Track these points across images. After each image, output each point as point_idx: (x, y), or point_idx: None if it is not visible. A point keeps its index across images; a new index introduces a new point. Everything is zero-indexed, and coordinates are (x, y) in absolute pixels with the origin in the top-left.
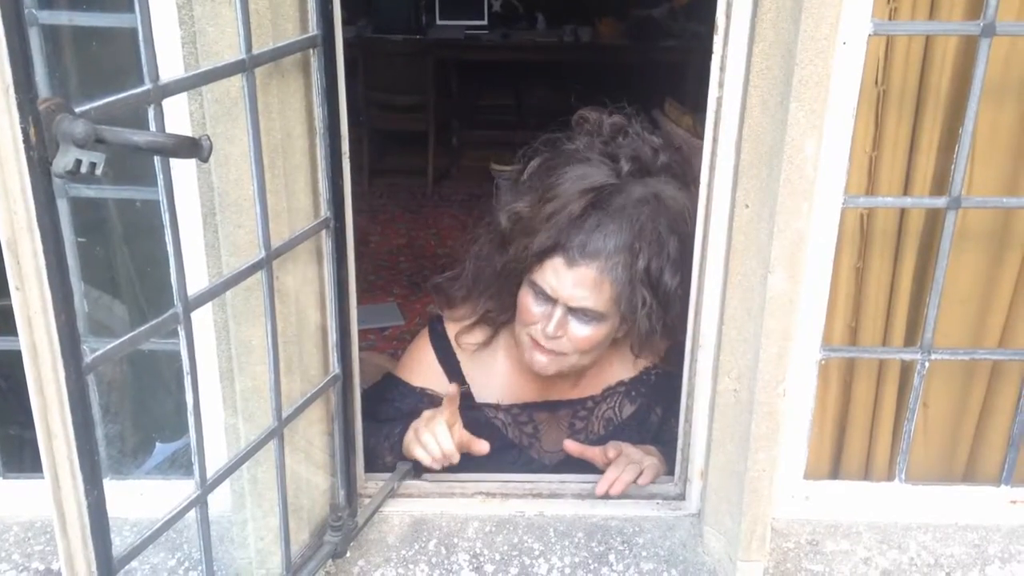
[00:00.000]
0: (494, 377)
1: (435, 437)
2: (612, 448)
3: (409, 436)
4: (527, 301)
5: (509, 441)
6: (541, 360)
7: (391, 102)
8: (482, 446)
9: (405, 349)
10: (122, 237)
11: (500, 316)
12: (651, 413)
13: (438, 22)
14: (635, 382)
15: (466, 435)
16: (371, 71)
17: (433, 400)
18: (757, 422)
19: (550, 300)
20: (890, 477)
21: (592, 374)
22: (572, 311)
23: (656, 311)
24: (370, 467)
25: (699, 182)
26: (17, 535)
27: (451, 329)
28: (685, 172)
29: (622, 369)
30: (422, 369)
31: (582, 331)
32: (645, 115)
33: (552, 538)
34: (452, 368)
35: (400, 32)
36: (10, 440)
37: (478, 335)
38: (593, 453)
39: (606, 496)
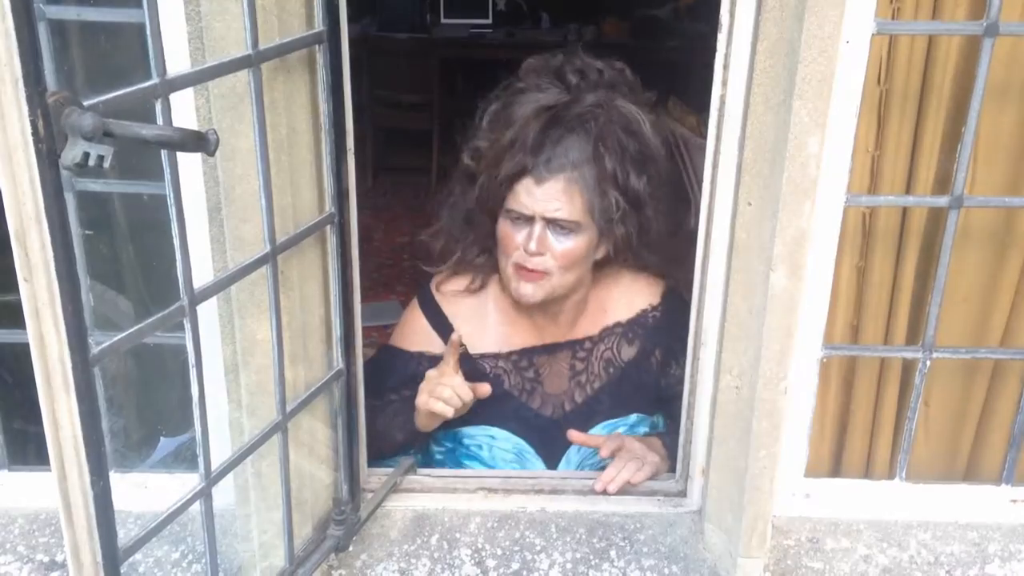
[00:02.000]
0: (487, 329)
1: (453, 389)
2: (611, 444)
3: (422, 398)
4: (506, 229)
5: (507, 392)
6: (527, 289)
7: (395, 100)
8: (485, 389)
9: None
10: (127, 232)
11: (479, 257)
12: (651, 356)
13: (443, 21)
14: (632, 323)
15: (469, 383)
16: (376, 69)
17: (432, 361)
18: (758, 419)
19: (527, 220)
20: (891, 475)
21: (588, 315)
22: (549, 225)
23: (629, 213)
24: (377, 451)
25: (649, 99)
26: (22, 527)
27: (438, 290)
28: (632, 88)
29: (617, 311)
30: (416, 335)
31: (562, 244)
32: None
33: (553, 534)
34: (444, 329)
35: (405, 30)
36: (15, 434)
37: (460, 281)
38: (595, 442)
39: (604, 493)
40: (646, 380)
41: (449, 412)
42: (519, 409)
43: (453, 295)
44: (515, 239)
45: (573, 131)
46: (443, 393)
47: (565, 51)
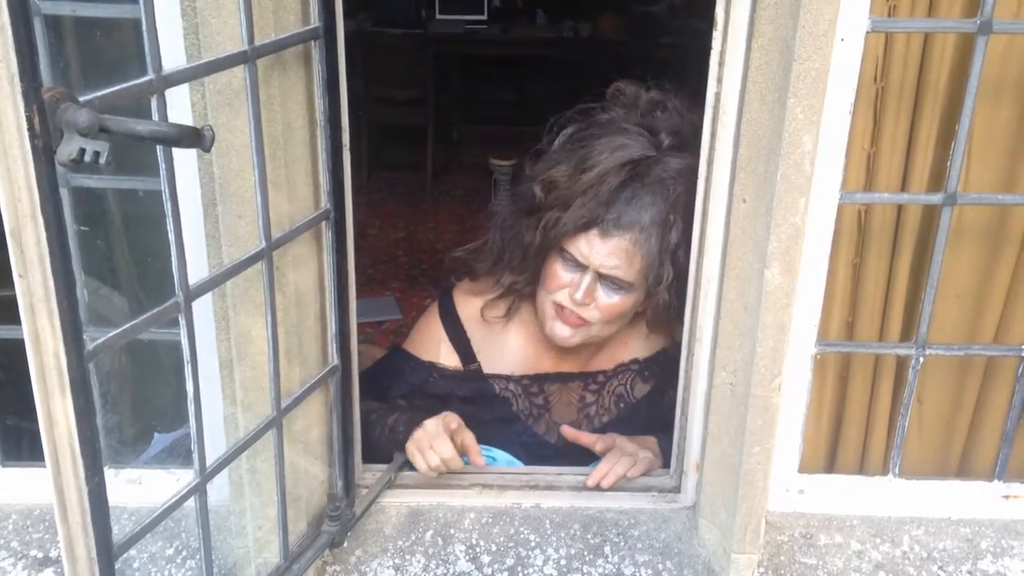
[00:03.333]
0: (506, 351)
1: (444, 462)
2: (603, 441)
3: (411, 448)
4: (555, 268)
5: (515, 415)
6: (564, 331)
7: (391, 96)
8: (479, 461)
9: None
10: (122, 228)
11: (526, 287)
12: (664, 395)
13: (438, 16)
14: (649, 362)
15: (469, 438)
16: (371, 65)
17: (442, 373)
18: (753, 416)
19: (580, 267)
20: (884, 471)
21: (606, 350)
22: (602, 279)
23: (676, 286)
24: (371, 456)
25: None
26: (16, 523)
27: (461, 305)
28: None
29: (636, 348)
30: (431, 344)
31: (610, 299)
32: (684, 93)
33: (548, 530)
34: (461, 344)
35: (400, 26)
36: (9, 430)
37: (502, 307)
38: (588, 439)
39: (597, 488)
40: (656, 416)
41: (433, 475)
42: (523, 433)
43: (475, 311)
44: (562, 280)
45: (650, 191)
46: (431, 460)
47: (660, 88)
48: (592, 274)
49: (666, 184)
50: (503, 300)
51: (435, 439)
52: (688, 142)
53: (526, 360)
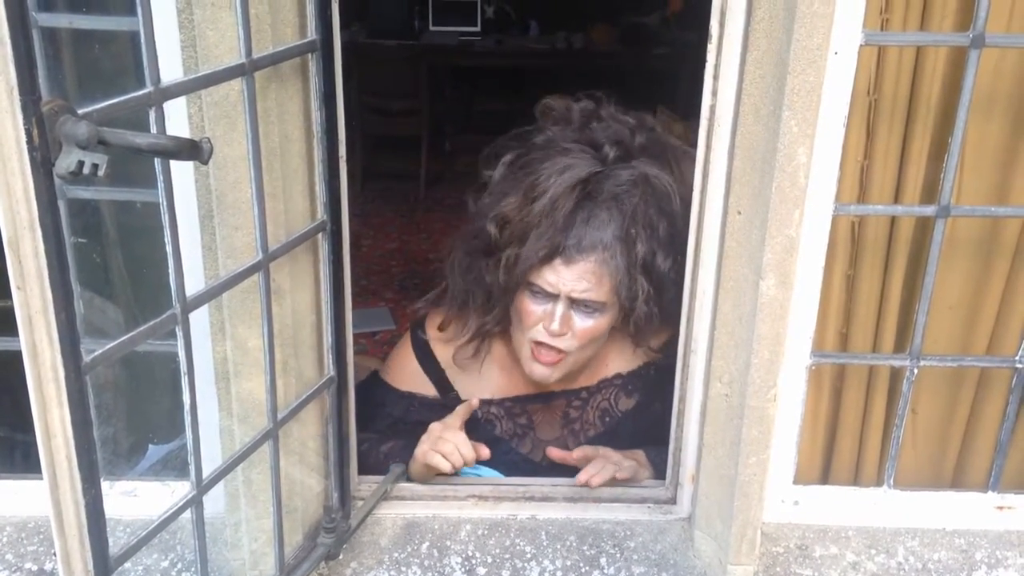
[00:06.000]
0: (481, 377)
1: (456, 445)
2: (584, 450)
3: (422, 449)
4: (526, 304)
5: (498, 437)
6: (543, 372)
7: (385, 107)
8: (485, 452)
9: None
10: (118, 240)
11: (496, 326)
12: (649, 408)
13: (431, 28)
14: (633, 376)
15: (472, 441)
16: (365, 76)
17: (422, 403)
18: (748, 427)
19: (550, 297)
20: (879, 482)
21: (588, 367)
22: (574, 304)
23: (652, 296)
24: (364, 470)
25: (677, 161)
26: (10, 535)
27: (434, 340)
28: (663, 151)
29: (620, 363)
30: (406, 375)
31: (585, 324)
32: (615, 98)
33: (544, 541)
34: (434, 373)
35: (394, 37)
36: (2, 441)
37: (470, 349)
38: (573, 459)
39: (587, 486)
40: (642, 429)
41: (447, 467)
42: (508, 453)
43: (447, 354)
44: (536, 314)
45: (605, 208)
46: (444, 447)
47: (590, 98)
48: (564, 301)
49: (620, 198)
50: (472, 343)
51: (446, 429)
52: (631, 149)
53: (505, 386)
